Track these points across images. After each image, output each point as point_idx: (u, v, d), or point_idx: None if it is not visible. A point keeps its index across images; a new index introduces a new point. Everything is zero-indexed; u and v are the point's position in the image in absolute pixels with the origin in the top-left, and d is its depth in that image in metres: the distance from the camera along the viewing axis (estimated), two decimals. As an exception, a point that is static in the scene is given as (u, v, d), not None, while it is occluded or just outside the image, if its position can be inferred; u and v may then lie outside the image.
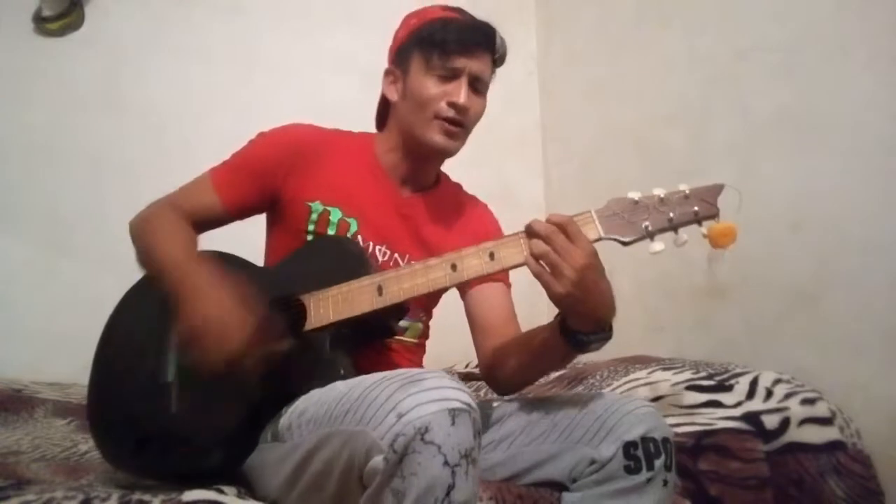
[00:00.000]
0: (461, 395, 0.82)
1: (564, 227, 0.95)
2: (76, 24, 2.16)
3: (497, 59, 1.25)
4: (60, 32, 2.15)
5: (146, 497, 0.92)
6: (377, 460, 0.79)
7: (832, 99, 1.57)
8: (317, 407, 0.92)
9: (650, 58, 2.16)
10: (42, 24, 2.12)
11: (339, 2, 2.46)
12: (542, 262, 0.95)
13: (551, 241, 0.95)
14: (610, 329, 1.03)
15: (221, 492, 0.95)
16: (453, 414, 0.79)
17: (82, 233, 2.07)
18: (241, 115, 2.20)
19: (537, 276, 0.96)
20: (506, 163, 2.61)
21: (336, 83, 2.32)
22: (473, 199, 1.39)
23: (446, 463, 0.78)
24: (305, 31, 2.40)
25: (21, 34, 2.11)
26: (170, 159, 2.13)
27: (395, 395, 0.81)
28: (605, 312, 1.01)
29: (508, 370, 1.17)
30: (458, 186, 1.38)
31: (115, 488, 0.96)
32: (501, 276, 1.26)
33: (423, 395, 0.80)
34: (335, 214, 1.19)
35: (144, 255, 1.14)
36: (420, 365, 1.28)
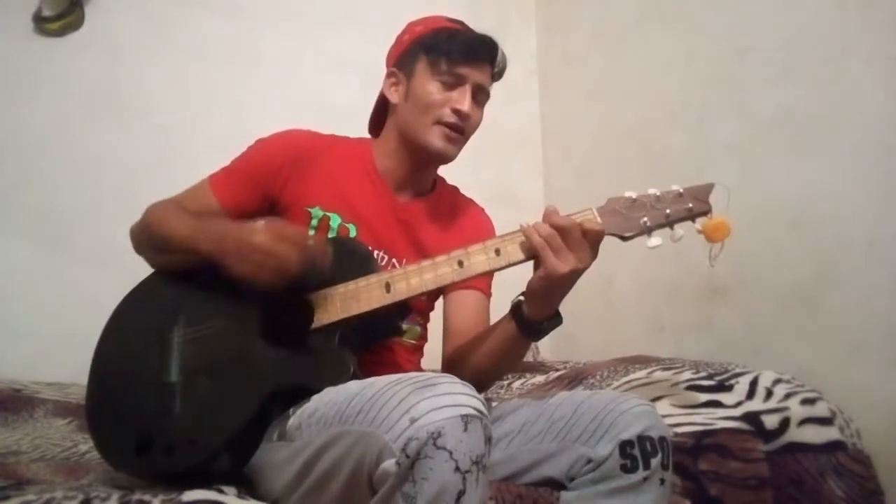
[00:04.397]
0: (473, 402, 0.82)
1: (587, 230, 1.01)
2: (76, 24, 2.16)
3: (496, 73, 1.29)
4: (60, 32, 2.14)
5: (146, 497, 0.92)
6: (389, 463, 0.79)
7: (832, 99, 1.57)
8: (327, 407, 0.92)
9: (650, 57, 2.16)
10: (42, 24, 2.12)
11: (339, 2, 2.46)
12: (546, 240, 1.01)
13: (570, 231, 1.00)
14: (557, 314, 1.10)
15: (221, 492, 0.95)
16: (466, 420, 0.80)
17: (82, 233, 2.07)
18: (240, 115, 2.21)
19: (540, 248, 1.01)
20: (506, 163, 2.61)
21: (336, 83, 2.32)
22: (470, 202, 1.40)
23: (458, 469, 0.78)
24: (305, 31, 2.40)
25: (21, 34, 2.11)
26: (169, 159, 2.13)
27: (409, 399, 0.81)
28: (558, 304, 1.10)
29: (467, 371, 1.17)
30: (454, 190, 1.39)
31: (115, 488, 0.96)
32: (482, 286, 1.29)
33: (437, 399, 0.81)
34: (335, 220, 1.20)
35: (163, 239, 1.14)
36: (419, 365, 1.30)
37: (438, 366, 1.29)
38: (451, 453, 0.78)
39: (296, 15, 2.40)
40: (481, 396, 0.85)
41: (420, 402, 0.80)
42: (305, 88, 2.32)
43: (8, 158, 2.07)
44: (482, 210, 1.40)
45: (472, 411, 0.81)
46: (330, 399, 0.93)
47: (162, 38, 2.25)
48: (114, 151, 2.15)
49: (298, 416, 0.98)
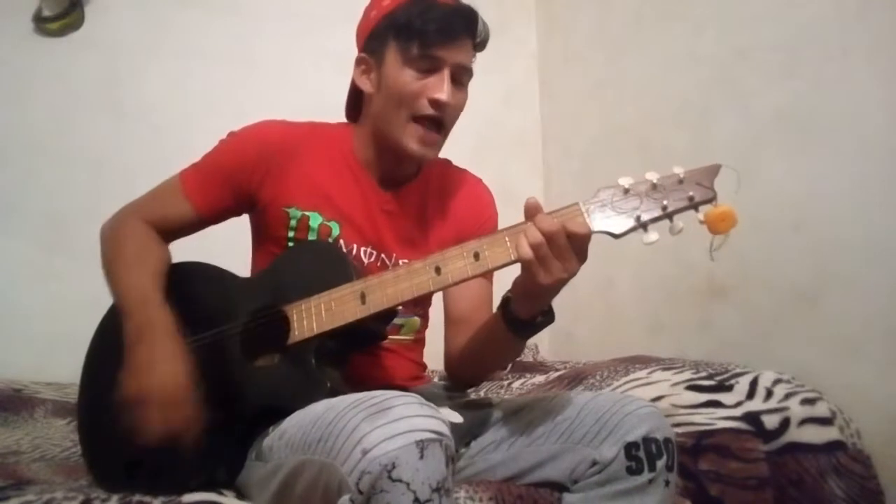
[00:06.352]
0: (430, 423, 0.78)
1: (571, 234, 0.91)
2: (76, 24, 2.17)
3: (478, 44, 1.15)
4: (60, 32, 2.15)
5: (146, 498, 0.93)
6: (344, 500, 0.76)
7: (832, 99, 1.57)
8: (295, 430, 0.89)
9: (651, 58, 2.16)
10: (42, 24, 2.12)
11: (339, 2, 2.46)
12: (534, 250, 0.91)
13: (554, 238, 0.90)
14: (550, 311, 1.03)
15: (221, 493, 0.96)
16: (421, 446, 0.76)
17: (82, 233, 2.04)
18: (240, 115, 2.19)
19: (527, 263, 0.91)
20: (506, 163, 2.60)
21: (336, 83, 2.30)
22: (463, 173, 1.29)
23: (416, 500, 0.74)
24: (305, 31, 2.40)
25: (21, 34, 2.11)
26: (169, 159, 2.09)
27: (361, 427, 0.77)
28: (546, 305, 1.02)
29: (464, 367, 1.19)
30: (445, 164, 1.28)
31: (115, 488, 0.96)
32: None
33: (390, 427, 0.76)
34: (315, 219, 1.14)
35: (108, 276, 1.10)
36: (419, 362, 1.26)
37: (441, 359, 1.27)
38: (407, 485, 0.74)
39: (295, 15, 2.40)
40: (441, 414, 0.81)
41: (372, 432, 0.76)
42: (305, 88, 2.31)
43: (8, 158, 2.07)
44: (478, 181, 1.30)
45: (429, 435, 0.77)
46: (297, 421, 0.90)
47: (162, 38, 2.25)
48: (114, 151, 2.15)
49: (272, 436, 0.95)
